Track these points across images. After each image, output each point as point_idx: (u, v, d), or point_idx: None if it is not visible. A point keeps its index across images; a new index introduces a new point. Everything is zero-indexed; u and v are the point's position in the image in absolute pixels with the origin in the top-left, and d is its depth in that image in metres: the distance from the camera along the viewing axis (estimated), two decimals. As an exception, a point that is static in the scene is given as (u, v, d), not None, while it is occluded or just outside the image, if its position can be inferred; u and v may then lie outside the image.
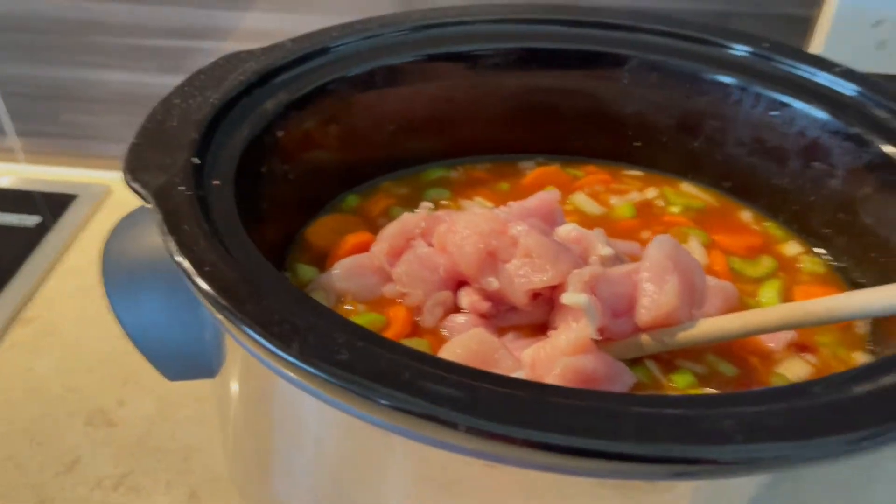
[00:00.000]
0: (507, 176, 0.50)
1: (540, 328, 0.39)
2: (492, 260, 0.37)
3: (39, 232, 0.71)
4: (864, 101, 0.43)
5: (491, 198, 0.49)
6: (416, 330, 0.40)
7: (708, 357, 0.39)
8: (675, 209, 0.48)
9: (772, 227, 0.47)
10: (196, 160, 0.36)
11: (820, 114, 0.44)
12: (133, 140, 0.37)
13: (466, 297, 0.38)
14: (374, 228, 0.45)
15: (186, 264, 0.30)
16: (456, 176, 0.51)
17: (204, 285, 0.30)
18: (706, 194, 0.49)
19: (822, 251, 0.45)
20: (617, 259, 0.40)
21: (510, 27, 0.48)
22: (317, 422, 0.32)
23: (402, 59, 0.46)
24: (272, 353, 0.28)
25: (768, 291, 0.42)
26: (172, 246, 0.31)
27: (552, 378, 0.33)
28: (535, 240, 0.36)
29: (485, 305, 0.38)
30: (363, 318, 0.39)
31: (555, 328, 0.37)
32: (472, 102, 0.50)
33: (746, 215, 0.48)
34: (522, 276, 0.36)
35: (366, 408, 0.27)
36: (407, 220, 0.41)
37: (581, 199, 0.48)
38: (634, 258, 0.40)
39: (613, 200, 0.48)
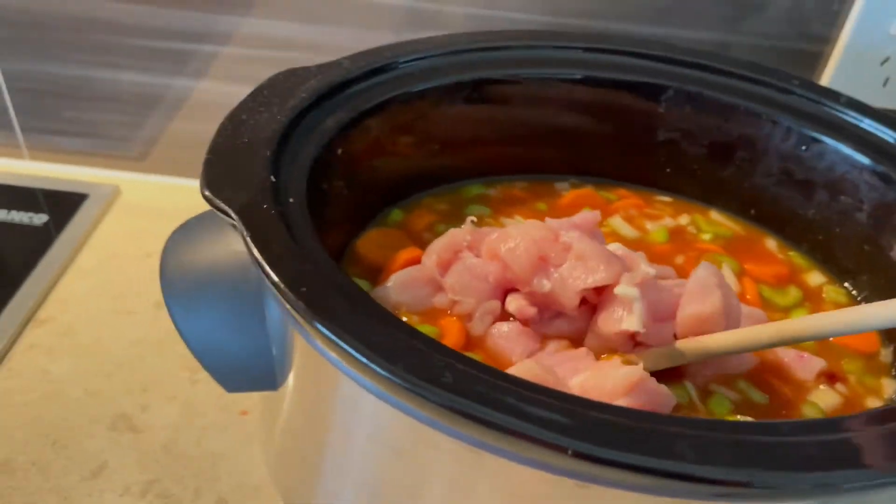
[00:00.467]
0: (544, 196, 0.52)
1: (579, 339, 0.41)
2: (543, 264, 0.39)
3: (49, 231, 0.71)
4: (891, 140, 0.46)
5: (529, 217, 0.50)
6: (468, 340, 0.41)
7: (739, 384, 0.41)
8: (706, 236, 0.50)
9: (795, 257, 0.50)
10: (273, 178, 0.37)
11: (849, 151, 0.46)
12: (207, 155, 0.37)
13: (514, 302, 0.40)
14: (420, 242, 0.46)
15: (282, 285, 0.31)
16: (494, 193, 0.52)
17: (302, 306, 0.30)
18: (732, 222, 0.52)
19: (846, 283, 0.48)
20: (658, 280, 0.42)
21: (554, 53, 0.50)
22: (402, 437, 0.33)
23: (451, 80, 0.47)
24: (377, 374, 0.29)
25: None
26: (265, 265, 0.32)
27: None
28: (589, 244, 0.38)
29: (531, 310, 0.40)
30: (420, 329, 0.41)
31: (595, 329, 0.39)
32: (511, 123, 0.51)
33: (771, 244, 0.51)
34: (576, 277, 0.38)
35: (469, 429, 0.28)
36: (455, 234, 0.43)
37: (617, 223, 0.50)
38: (669, 282, 0.42)
39: (648, 225, 0.50)
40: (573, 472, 0.28)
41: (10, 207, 0.73)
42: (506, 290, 0.41)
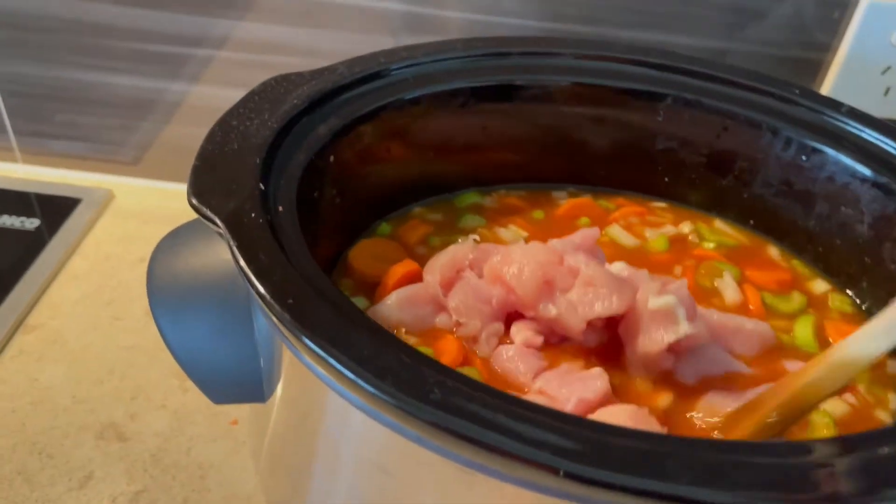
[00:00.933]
0: (541, 204, 0.51)
1: (587, 353, 0.40)
2: (549, 288, 0.38)
3: (41, 236, 0.70)
4: (892, 150, 0.45)
5: (526, 226, 0.49)
6: (465, 360, 0.40)
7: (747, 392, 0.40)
8: (709, 245, 0.49)
9: (798, 265, 0.49)
10: (262, 186, 0.36)
11: (850, 161, 0.45)
12: (195, 161, 0.37)
13: (521, 334, 0.39)
14: (413, 255, 0.46)
15: (268, 296, 0.30)
16: (489, 203, 0.51)
17: (288, 319, 0.30)
18: (736, 231, 0.51)
19: (849, 291, 0.47)
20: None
21: (551, 61, 0.49)
22: (391, 454, 0.32)
23: (446, 87, 0.47)
24: (363, 389, 0.28)
25: (803, 328, 0.43)
26: (251, 276, 0.31)
27: None
28: (599, 270, 0.37)
29: (538, 340, 0.39)
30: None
31: (636, 355, 0.38)
32: (506, 132, 0.51)
33: (774, 252, 0.50)
34: (586, 304, 0.37)
35: (458, 447, 0.27)
36: (456, 252, 0.42)
37: (616, 231, 0.49)
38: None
39: (648, 233, 0.49)
40: (566, 493, 0.27)
41: (1, 212, 0.72)
42: (509, 314, 0.41)
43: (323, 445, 0.35)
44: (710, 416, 0.37)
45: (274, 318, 0.30)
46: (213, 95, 0.74)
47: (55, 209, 0.73)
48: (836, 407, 0.39)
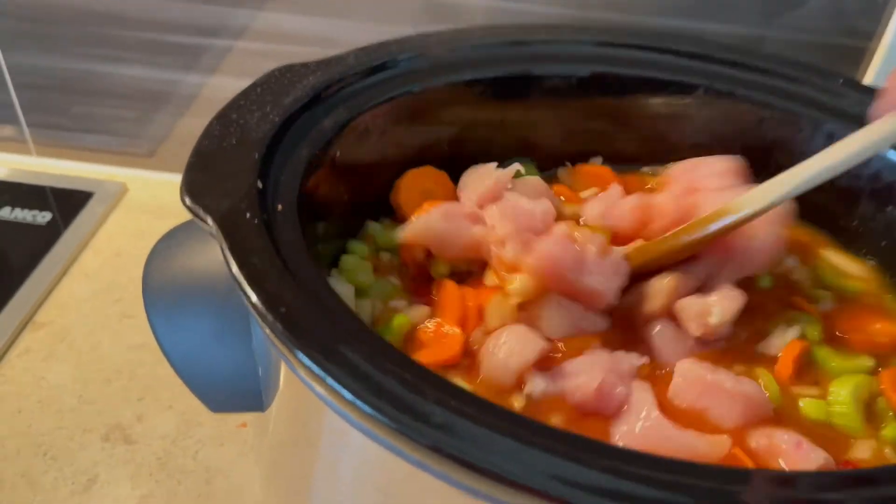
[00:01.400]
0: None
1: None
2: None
3: (52, 230, 0.69)
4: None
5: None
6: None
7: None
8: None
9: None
10: (259, 184, 0.34)
11: (896, 157, 0.42)
12: (190, 158, 0.34)
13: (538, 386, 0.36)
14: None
15: (259, 305, 0.28)
16: None
17: (280, 329, 0.27)
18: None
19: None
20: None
21: (575, 49, 0.46)
22: (389, 477, 0.30)
23: (461, 78, 0.44)
24: (360, 410, 0.26)
25: None
26: (242, 281, 0.29)
27: None
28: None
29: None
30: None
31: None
32: (523, 126, 0.48)
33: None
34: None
35: (460, 474, 0.25)
36: (500, 174, 0.42)
37: None
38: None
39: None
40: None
41: (14, 205, 0.71)
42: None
43: (321, 461, 0.33)
44: None
45: (266, 329, 0.28)
46: (230, 87, 0.71)
47: (68, 203, 0.71)
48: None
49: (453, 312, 0.39)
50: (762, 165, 0.47)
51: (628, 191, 0.47)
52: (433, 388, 0.26)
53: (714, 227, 0.38)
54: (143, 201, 0.75)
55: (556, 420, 0.34)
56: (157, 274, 0.37)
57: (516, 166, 0.43)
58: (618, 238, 0.41)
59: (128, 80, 0.73)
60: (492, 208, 0.40)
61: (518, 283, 0.37)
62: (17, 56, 0.73)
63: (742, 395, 0.35)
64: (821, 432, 0.35)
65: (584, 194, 0.46)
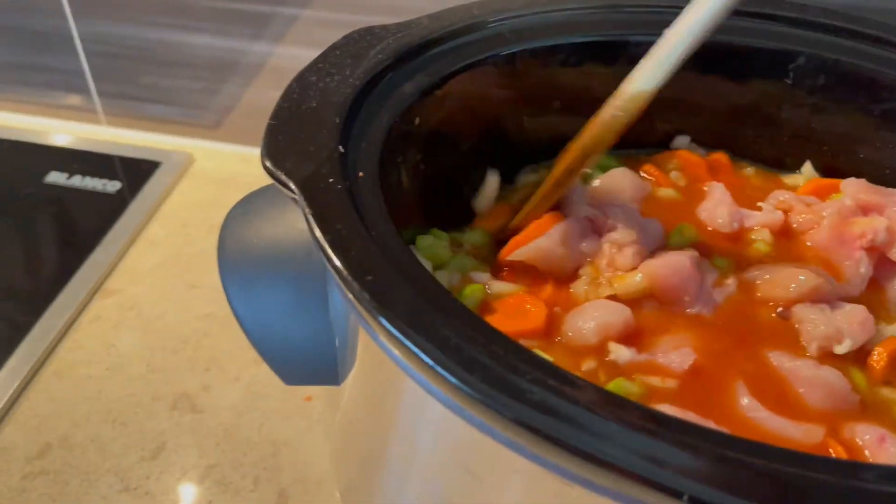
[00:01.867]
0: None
1: None
2: None
3: (121, 199, 0.69)
4: None
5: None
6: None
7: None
8: None
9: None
10: (341, 148, 0.32)
11: None
12: (269, 120, 0.33)
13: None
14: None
15: (344, 271, 0.27)
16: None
17: (367, 298, 0.26)
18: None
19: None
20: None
21: (668, 16, 0.43)
22: (475, 456, 0.28)
23: (547, 43, 0.42)
24: (449, 382, 0.24)
25: None
26: (327, 248, 0.28)
27: None
28: None
29: None
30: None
31: None
32: (609, 95, 0.45)
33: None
34: None
35: (557, 456, 0.23)
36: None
37: None
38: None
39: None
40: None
41: (84, 173, 0.72)
42: None
43: (398, 436, 0.32)
44: None
45: (350, 296, 0.27)
46: (297, 56, 0.71)
47: (136, 172, 0.72)
48: None
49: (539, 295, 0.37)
50: (867, 142, 0.44)
51: (715, 175, 0.44)
52: (528, 365, 0.24)
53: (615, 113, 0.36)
54: (208, 172, 0.75)
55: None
56: (232, 242, 0.36)
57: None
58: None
59: (197, 48, 0.73)
60: (616, 211, 0.39)
61: (633, 279, 0.36)
62: (88, 24, 0.73)
63: (822, 383, 0.33)
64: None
65: (673, 176, 0.44)
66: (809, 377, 0.33)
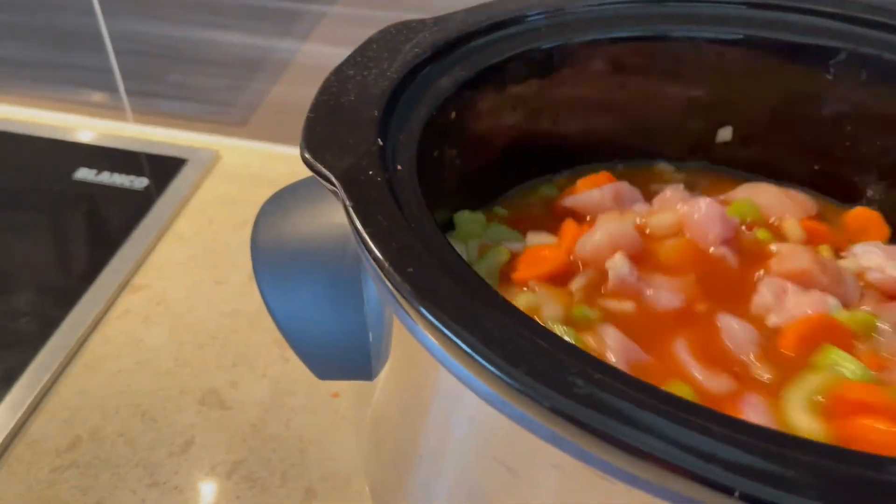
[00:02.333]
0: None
1: None
2: None
3: (149, 195, 0.69)
4: None
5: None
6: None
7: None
8: None
9: None
10: (380, 141, 0.32)
11: None
12: (308, 113, 0.33)
13: None
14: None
15: (385, 263, 0.27)
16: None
17: (408, 289, 0.26)
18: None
19: None
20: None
21: (709, 9, 0.43)
22: (515, 452, 0.28)
23: (584, 38, 0.41)
24: (492, 374, 0.24)
25: None
26: (368, 239, 0.27)
27: None
28: None
29: None
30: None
31: None
32: (652, 93, 0.45)
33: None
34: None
35: (603, 451, 0.23)
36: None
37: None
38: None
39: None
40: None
41: (112, 170, 0.72)
42: None
43: (435, 434, 0.31)
44: None
45: (391, 288, 0.27)
46: (324, 54, 0.71)
47: (163, 169, 0.72)
48: None
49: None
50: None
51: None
52: (573, 358, 0.24)
53: None
54: (235, 169, 0.75)
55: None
56: (265, 237, 0.36)
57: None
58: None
59: (224, 46, 0.73)
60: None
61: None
62: (118, 22, 0.74)
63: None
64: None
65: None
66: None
